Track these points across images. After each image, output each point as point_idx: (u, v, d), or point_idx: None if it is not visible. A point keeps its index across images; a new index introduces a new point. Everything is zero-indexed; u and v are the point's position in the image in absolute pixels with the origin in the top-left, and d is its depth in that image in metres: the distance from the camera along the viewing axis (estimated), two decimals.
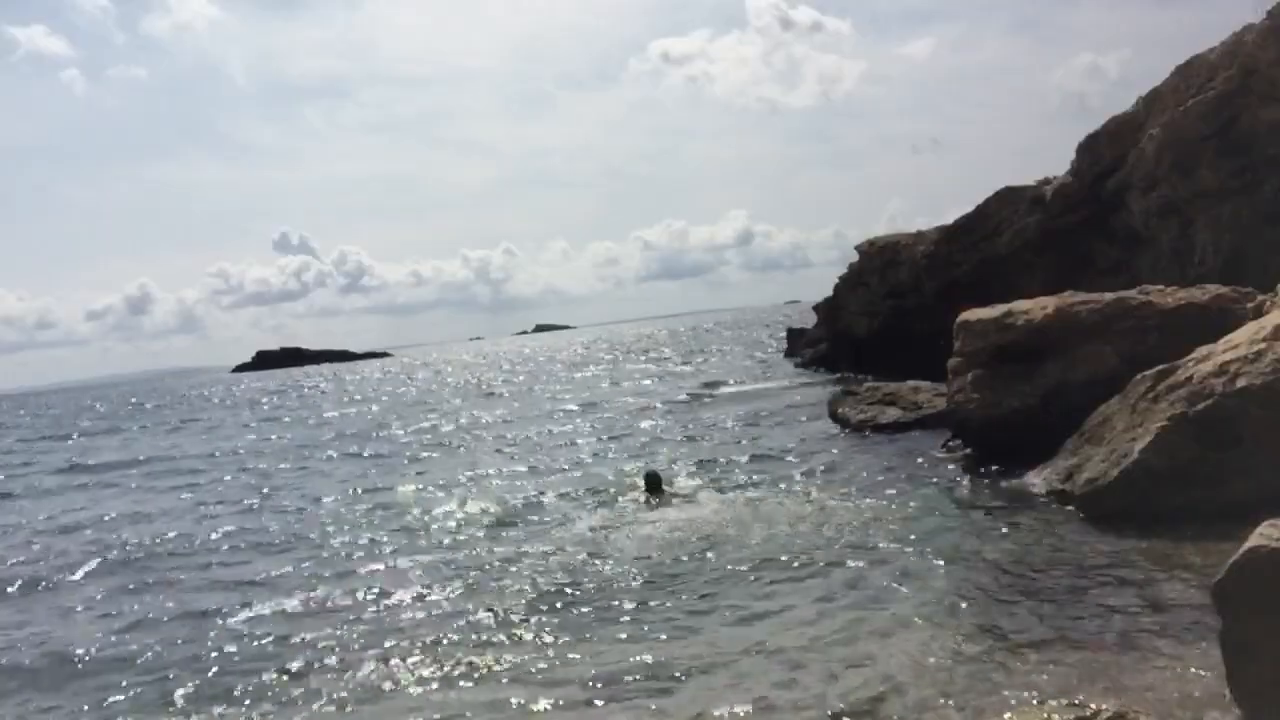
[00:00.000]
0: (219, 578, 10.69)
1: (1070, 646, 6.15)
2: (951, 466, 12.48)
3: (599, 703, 6.13)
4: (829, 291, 31.83)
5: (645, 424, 21.92)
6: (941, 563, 8.36)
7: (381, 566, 10.39)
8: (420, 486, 15.80)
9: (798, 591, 7.95)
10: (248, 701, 6.78)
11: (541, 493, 13.85)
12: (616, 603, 8.13)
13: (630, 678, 6.45)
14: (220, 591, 10.05)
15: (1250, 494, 7.69)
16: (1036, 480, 10.49)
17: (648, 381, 37.05)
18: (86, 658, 8.20)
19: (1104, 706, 4.98)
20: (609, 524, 11.22)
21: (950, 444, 13.26)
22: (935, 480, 11.80)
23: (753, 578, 8.45)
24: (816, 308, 34.79)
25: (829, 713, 5.58)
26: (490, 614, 8.16)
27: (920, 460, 13.15)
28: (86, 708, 7.09)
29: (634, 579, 8.77)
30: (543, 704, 6.19)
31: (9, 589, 11.14)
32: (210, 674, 7.42)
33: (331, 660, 7.43)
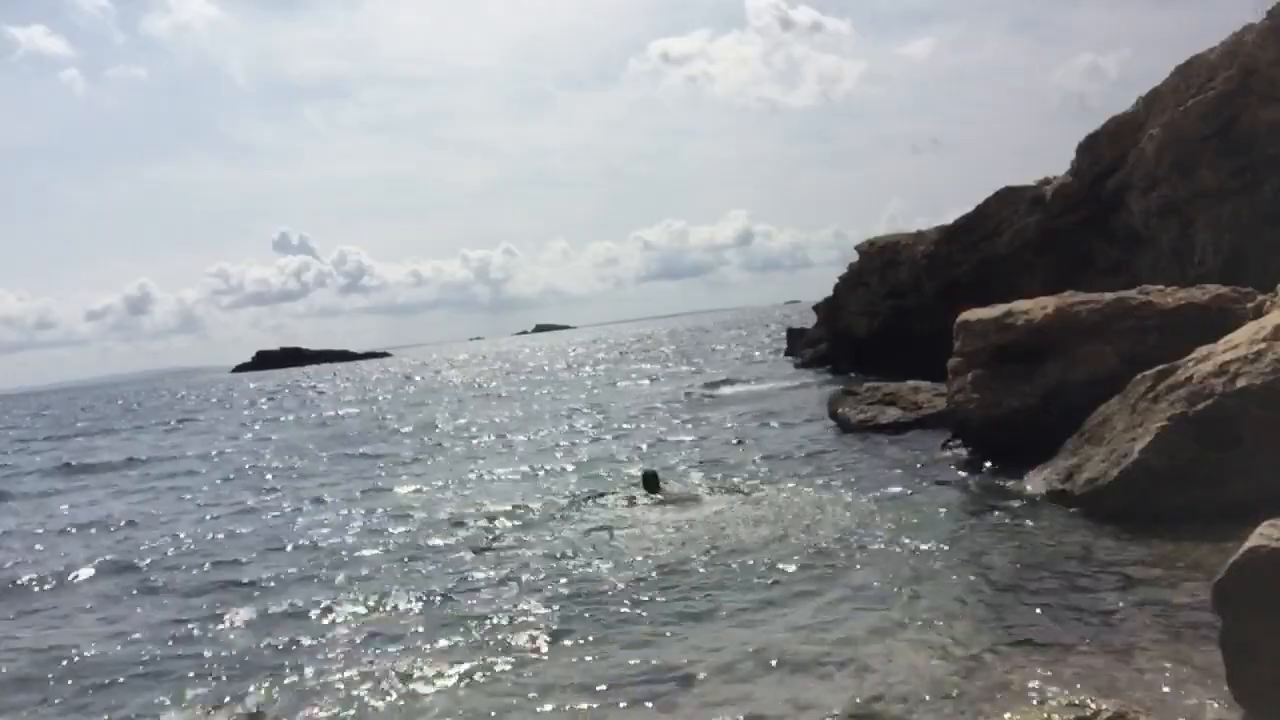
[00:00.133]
0: (218, 579, 10.66)
1: (1070, 646, 6.14)
2: (951, 466, 12.48)
3: (598, 706, 6.11)
4: (829, 291, 31.85)
5: (645, 424, 21.90)
6: (941, 563, 8.35)
7: (380, 568, 10.36)
8: (419, 487, 15.79)
9: (796, 592, 7.94)
10: (248, 704, 6.76)
11: (541, 493, 13.83)
12: (616, 604, 8.12)
13: (630, 680, 6.44)
14: (219, 593, 10.02)
15: (1250, 494, 7.68)
16: (1036, 480, 10.48)
17: (647, 382, 37.04)
18: (86, 661, 8.18)
19: (1104, 706, 4.97)
20: (608, 525, 11.21)
21: (950, 444, 13.26)
22: (935, 480, 11.79)
23: (751, 578, 8.43)
24: (816, 308, 34.80)
25: (829, 713, 5.57)
26: (489, 616, 8.14)
27: (920, 460, 13.14)
28: (86, 713, 7.08)
29: (633, 580, 8.75)
30: (543, 706, 6.17)
31: (6, 592, 11.11)
32: (211, 676, 7.41)
33: (331, 663, 7.41)
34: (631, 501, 12.31)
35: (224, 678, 7.32)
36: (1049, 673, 5.75)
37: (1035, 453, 10.87)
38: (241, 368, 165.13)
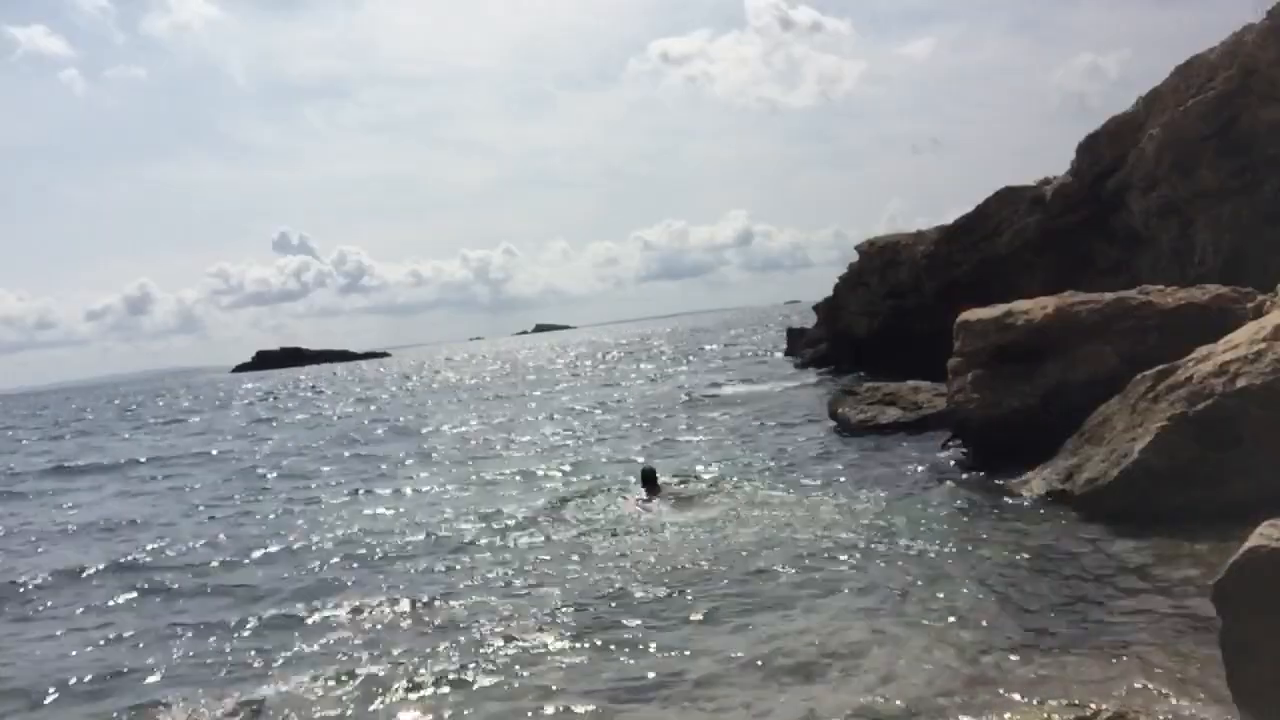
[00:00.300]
0: (218, 580, 10.66)
1: (1070, 646, 6.13)
2: (951, 466, 12.48)
3: (597, 708, 6.10)
4: (829, 291, 31.86)
5: (644, 425, 21.89)
6: (941, 563, 8.35)
7: (380, 569, 10.35)
8: (418, 488, 15.79)
9: (796, 592, 7.93)
10: (249, 707, 6.74)
11: (540, 493, 13.83)
12: (615, 605, 8.11)
13: (630, 681, 6.43)
14: (219, 593, 10.02)
15: (1250, 494, 7.68)
16: (1036, 480, 10.46)
17: (646, 382, 37.03)
18: (85, 661, 8.18)
19: (1104, 706, 4.97)
20: (607, 525, 11.20)
21: (950, 444, 13.25)
22: (935, 480, 11.79)
23: (751, 578, 8.42)
24: (816, 308, 34.82)
25: (829, 714, 5.56)
26: (488, 617, 8.13)
27: (920, 461, 13.14)
28: (85, 713, 7.06)
29: (633, 581, 8.74)
30: (543, 708, 6.16)
31: (6, 592, 11.08)
32: (209, 676, 7.40)
33: (330, 663, 7.40)
34: (630, 501, 12.30)
35: (222, 678, 7.32)
36: (1049, 673, 5.74)
37: (1035, 453, 10.86)
38: (241, 368, 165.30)
